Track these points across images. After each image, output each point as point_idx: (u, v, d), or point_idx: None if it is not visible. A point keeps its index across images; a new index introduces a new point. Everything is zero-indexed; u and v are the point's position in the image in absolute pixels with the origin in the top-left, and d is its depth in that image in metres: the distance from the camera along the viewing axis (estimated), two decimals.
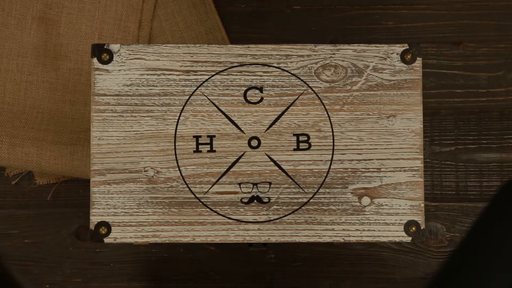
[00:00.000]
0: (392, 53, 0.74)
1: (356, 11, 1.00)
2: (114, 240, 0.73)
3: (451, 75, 1.00)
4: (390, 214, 0.73)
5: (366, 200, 0.73)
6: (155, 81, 0.74)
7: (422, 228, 0.72)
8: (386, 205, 0.73)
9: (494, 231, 0.58)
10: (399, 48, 0.74)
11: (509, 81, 1.00)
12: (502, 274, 0.55)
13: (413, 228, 0.72)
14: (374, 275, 0.98)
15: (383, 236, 0.73)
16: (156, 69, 0.74)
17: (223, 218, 0.73)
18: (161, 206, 0.73)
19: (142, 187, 0.73)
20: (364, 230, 0.73)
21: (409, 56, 0.74)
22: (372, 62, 0.74)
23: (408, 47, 0.74)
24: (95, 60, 0.74)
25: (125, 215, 0.73)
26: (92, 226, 0.72)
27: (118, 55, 0.74)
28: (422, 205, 0.73)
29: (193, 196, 0.73)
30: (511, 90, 1.00)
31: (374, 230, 0.73)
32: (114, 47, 0.74)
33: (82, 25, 0.97)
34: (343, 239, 0.73)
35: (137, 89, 0.74)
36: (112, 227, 0.73)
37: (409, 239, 0.72)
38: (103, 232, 0.73)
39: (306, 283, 0.97)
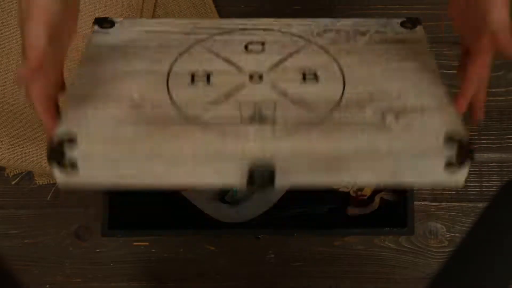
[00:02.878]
0: (391, 23, 0.70)
1: (356, 11, 1.00)
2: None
3: (451, 75, 1.00)
4: (423, 127, 0.55)
5: (390, 116, 0.58)
6: (153, 36, 0.68)
7: (466, 141, 0.53)
8: (416, 119, 0.56)
9: (494, 231, 0.58)
10: (398, 20, 0.70)
11: (509, 81, 1.00)
12: (502, 274, 0.55)
13: (456, 139, 0.53)
14: (374, 275, 0.98)
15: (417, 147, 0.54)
16: (156, 31, 0.70)
17: (219, 136, 0.56)
18: (146, 128, 0.56)
19: (126, 112, 0.58)
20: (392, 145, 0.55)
21: (409, 25, 0.70)
22: (374, 27, 0.70)
23: (405, 19, 0.69)
24: (96, 26, 0.71)
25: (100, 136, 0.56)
26: (54, 140, 0.53)
27: (120, 24, 0.71)
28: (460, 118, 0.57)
29: (184, 119, 0.58)
30: (511, 90, 1.00)
31: (405, 143, 0.55)
32: (116, 19, 0.72)
33: (82, 25, 0.97)
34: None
35: (134, 43, 0.67)
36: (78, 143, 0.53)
37: (452, 153, 0.53)
38: (68, 149, 0.53)
39: (306, 283, 0.98)
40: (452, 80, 1.01)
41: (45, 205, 0.98)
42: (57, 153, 0.53)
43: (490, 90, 0.99)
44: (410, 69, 0.63)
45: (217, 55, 0.66)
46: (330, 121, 0.57)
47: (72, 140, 0.53)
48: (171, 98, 0.59)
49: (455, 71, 1.04)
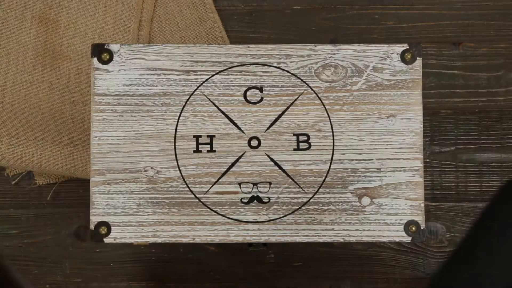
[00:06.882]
0: (392, 53, 0.74)
1: (356, 11, 1.00)
2: (114, 240, 0.73)
3: (451, 75, 1.00)
4: (390, 214, 0.73)
5: (366, 200, 0.73)
6: (155, 81, 0.74)
7: (422, 228, 0.72)
8: (386, 205, 0.73)
9: (494, 231, 0.58)
10: (399, 48, 0.74)
11: (509, 81, 1.00)
12: (501, 273, 0.55)
13: (413, 228, 0.72)
14: (374, 275, 0.98)
15: (383, 236, 0.73)
16: (156, 69, 0.74)
17: (223, 218, 0.73)
18: (161, 206, 0.73)
19: (142, 187, 0.73)
20: (364, 230, 0.73)
21: (409, 56, 0.74)
22: (372, 62, 0.74)
23: (408, 47, 0.74)
24: (95, 60, 0.74)
25: (125, 215, 0.73)
26: (92, 226, 0.72)
27: (118, 55, 0.74)
28: (422, 205, 0.73)
29: (193, 196, 0.73)
30: (511, 90, 1.00)
31: (374, 230, 0.73)
32: (114, 47, 0.74)
33: (82, 25, 0.97)
34: (343, 239, 0.73)
35: (137, 89, 0.74)
36: (112, 227, 0.73)
37: (409, 239, 0.72)
38: (103, 232, 0.73)
39: (306, 283, 0.97)
40: (452, 80, 1.01)
41: (45, 205, 0.98)
42: (97, 235, 0.73)
43: (490, 90, 0.99)
44: (397, 130, 0.74)
45: (218, 107, 0.74)
46: (315, 203, 0.73)
47: (106, 226, 0.73)
48: (179, 171, 0.73)
49: (455, 71, 1.04)
